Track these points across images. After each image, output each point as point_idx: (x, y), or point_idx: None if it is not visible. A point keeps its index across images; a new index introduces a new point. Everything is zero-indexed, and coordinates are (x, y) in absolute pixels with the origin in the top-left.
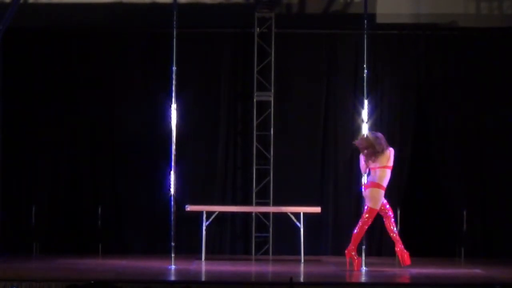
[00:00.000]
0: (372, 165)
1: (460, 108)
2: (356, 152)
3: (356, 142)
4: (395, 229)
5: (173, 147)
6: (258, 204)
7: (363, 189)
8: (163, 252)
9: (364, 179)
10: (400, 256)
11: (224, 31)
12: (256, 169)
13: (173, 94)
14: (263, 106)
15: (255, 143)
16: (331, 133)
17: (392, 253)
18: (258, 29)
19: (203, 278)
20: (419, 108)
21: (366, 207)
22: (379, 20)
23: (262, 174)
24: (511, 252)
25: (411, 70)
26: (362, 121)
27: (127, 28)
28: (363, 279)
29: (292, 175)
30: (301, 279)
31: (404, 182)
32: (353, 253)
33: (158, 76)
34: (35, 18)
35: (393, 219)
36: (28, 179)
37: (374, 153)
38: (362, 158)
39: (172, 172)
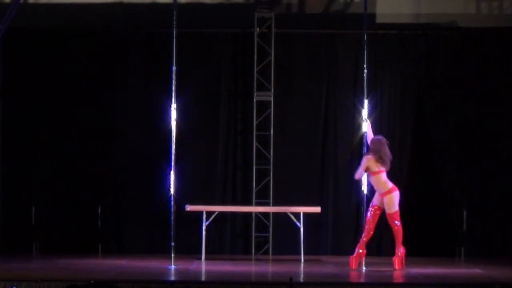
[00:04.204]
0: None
1: (460, 108)
2: (356, 151)
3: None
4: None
5: (173, 147)
6: (258, 204)
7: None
8: (163, 252)
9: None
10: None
11: (224, 31)
12: (256, 169)
13: (173, 94)
14: (263, 106)
15: (255, 143)
16: (331, 133)
17: (392, 253)
18: (258, 29)
19: (203, 278)
20: (418, 108)
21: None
22: (379, 20)
23: (262, 174)
24: (511, 252)
25: (411, 70)
26: (362, 120)
27: (127, 28)
28: (363, 279)
29: (292, 175)
30: (301, 279)
31: (404, 182)
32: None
33: (158, 76)
34: (35, 18)
35: None
36: (28, 179)
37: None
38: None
39: (172, 172)
